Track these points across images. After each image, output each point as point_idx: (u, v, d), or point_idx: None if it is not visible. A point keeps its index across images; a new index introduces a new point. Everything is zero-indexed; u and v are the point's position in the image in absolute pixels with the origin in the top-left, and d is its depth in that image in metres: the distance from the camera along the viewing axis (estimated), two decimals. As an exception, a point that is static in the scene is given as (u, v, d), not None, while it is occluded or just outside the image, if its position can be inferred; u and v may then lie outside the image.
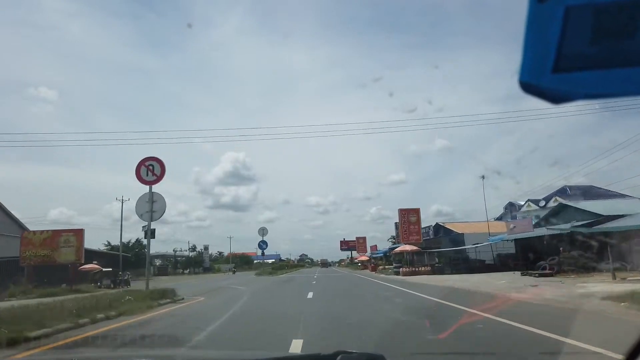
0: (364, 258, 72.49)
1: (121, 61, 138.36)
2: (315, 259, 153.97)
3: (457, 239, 40.55)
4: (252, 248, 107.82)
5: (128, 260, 51.68)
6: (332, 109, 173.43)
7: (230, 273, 63.04)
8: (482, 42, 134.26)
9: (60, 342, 7.20)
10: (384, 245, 74.80)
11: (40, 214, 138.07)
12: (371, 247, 77.99)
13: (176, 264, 77.77)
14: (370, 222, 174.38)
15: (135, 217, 16.50)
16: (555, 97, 0.71)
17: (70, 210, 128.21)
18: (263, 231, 43.02)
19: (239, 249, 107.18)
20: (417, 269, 32.76)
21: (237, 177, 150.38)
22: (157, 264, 76.28)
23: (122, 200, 52.19)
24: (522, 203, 51.84)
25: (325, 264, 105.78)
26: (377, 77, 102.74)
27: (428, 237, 45.67)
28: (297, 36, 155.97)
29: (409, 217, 40.84)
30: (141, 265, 52.56)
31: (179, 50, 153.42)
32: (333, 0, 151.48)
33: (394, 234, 63.11)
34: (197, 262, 79.26)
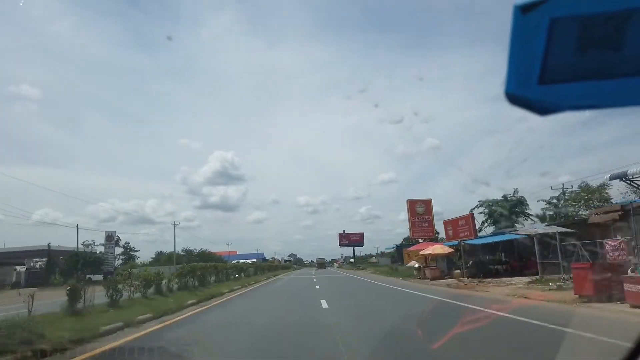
0: (437, 249, 28.73)
1: (108, 61, 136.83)
2: (305, 260, 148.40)
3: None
4: (224, 248, 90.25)
5: None
6: (321, 109, 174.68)
7: None
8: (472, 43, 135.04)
9: None
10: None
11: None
12: (460, 218, 33.75)
13: (52, 267, 47.01)
14: (360, 221, 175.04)
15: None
16: (542, 109, 0.72)
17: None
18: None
19: (221, 249, 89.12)
20: None
21: (225, 176, 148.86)
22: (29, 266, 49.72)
23: None
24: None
25: (322, 264, 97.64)
26: (365, 83, 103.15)
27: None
28: (288, 37, 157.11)
29: None
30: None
31: (166, 51, 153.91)
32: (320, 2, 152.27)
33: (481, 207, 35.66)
34: (91, 263, 46.89)
